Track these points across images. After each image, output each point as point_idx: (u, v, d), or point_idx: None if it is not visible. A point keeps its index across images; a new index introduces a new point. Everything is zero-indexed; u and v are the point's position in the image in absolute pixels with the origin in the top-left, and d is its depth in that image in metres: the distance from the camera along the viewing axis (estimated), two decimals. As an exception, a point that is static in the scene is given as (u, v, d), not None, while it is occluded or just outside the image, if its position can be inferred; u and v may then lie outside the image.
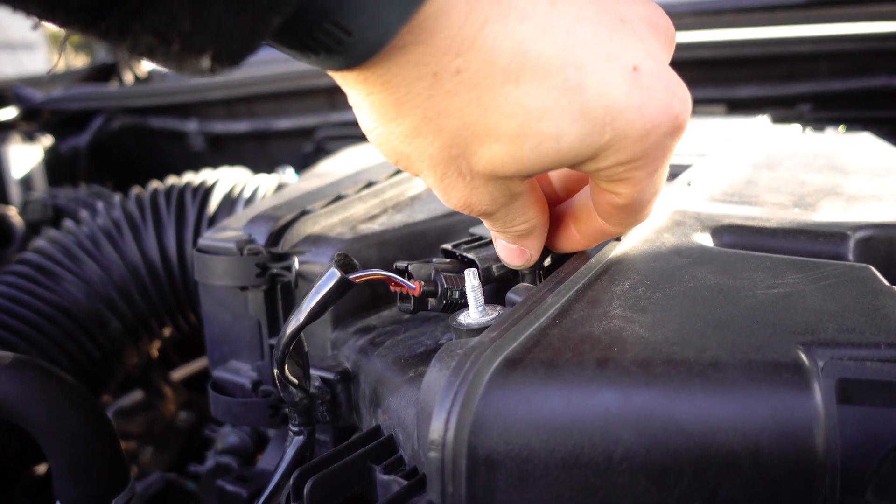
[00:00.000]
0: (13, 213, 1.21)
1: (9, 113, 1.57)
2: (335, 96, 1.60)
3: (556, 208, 0.46)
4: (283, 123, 1.60)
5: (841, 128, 1.08)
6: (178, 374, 1.23)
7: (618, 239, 0.50)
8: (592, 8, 0.34)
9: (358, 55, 0.32)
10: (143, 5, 0.26)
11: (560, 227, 0.46)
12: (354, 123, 1.61)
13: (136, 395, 1.16)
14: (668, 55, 0.38)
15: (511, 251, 0.45)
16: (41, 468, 0.86)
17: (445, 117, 0.34)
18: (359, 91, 0.36)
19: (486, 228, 0.55)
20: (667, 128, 0.35)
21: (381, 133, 0.37)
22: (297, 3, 0.29)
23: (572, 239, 0.46)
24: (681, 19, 1.45)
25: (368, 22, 0.31)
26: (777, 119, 1.05)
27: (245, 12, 0.28)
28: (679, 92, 0.36)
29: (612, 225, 0.43)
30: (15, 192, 1.37)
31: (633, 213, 0.41)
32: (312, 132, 1.59)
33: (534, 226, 0.43)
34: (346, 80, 0.36)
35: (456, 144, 0.35)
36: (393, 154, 0.38)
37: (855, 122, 1.17)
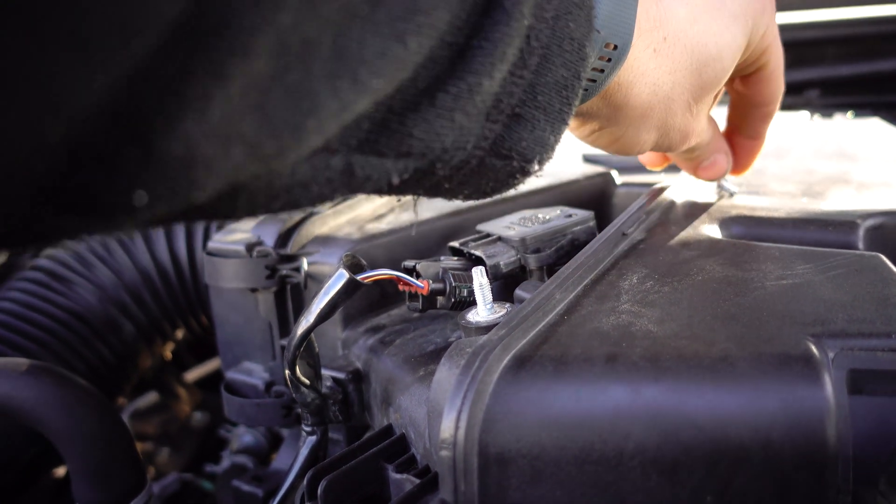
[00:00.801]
0: (25, 219, 1.22)
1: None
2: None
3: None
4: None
5: (850, 114, 1.07)
6: (192, 375, 1.24)
7: (625, 233, 0.50)
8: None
9: (617, 63, 0.41)
10: (495, 140, 0.34)
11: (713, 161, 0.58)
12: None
13: (151, 397, 1.17)
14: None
15: (709, 167, 0.57)
16: (60, 471, 0.87)
17: (673, 74, 0.44)
18: (607, 104, 0.44)
19: (493, 225, 0.55)
20: (767, 2, 0.49)
21: (635, 130, 0.47)
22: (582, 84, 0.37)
23: (749, 147, 0.59)
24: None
25: (622, 26, 0.39)
26: (785, 106, 1.04)
27: (554, 121, 0.36)
28: None
29: (766, 103, 0.57)
30: (26, 199, 1.39)
31: (777, 79, 0.55)
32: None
33: (720, 143, 0.56)
34: (598, 104, 0.45)
35: (686, 88, 0.45)
36: (655, 134, 0.48)
37: (864, 108, 1.16)
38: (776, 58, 0.53)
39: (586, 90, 0.40)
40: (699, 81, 0.46)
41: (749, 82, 0.55)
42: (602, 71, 0.41)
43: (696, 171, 0.57)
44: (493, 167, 0.35)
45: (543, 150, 0.36)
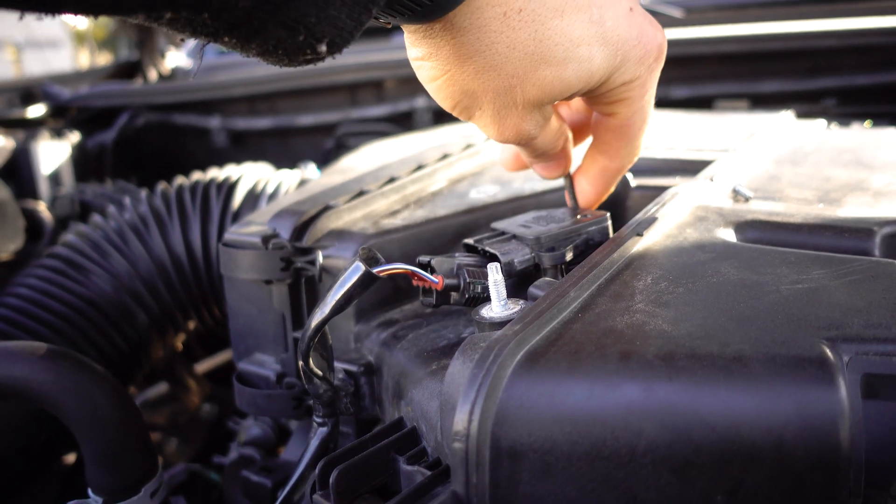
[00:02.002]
0: (42, 208, 1.24)
1: (38, 110, 1.60)
2: (356, 93, 1.61)
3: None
4: (305, 120, 1.61)
5: (867, 123, 1.06)
6: (202, 367, 1.25)
7: (640, 234, 0.50)
8: None
9: (443, 7, 0.39)
10: (280, 6, 0.32)
11: (573, 188, 0.56)
12: (375, 120, 1.63)
13: (161, 388, 1.18)
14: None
15: (549, 168, 0.54)
16: (70, 457, 0.88)
17: (511, 50, 0.42)
18: (439, 40, 0.42)
19: (508, 223, 0.55)
20: (655, 54, 0.46)
21: (453, 75, 0.43)
22: None
23: (585, 193, 0.56)
24: (704, 13, 1.44)
25: None
26: (801, 114, 1.04)
27: (355, 5, 0.34)
28: (660, 28, 0.47)
29: (611, 159, 0.53)
30: (44, 188, 1.40)
31: (627, 138, 0.51)
32: (333, 128, 1.60)
33: (567, 138, 0.52)
34: (427, 34, 0.42)
35: (516, 74, 0.43)
36: (459, 94, 0.44)
37: (881, 117, 1.16)
38: (630, 114, 0.49)
39: (421, 7, 0.39)
40: (533, 77, 0.43)
41: (598, 124, 0.52)
42: None
43: (533, 165, 0.55)
44: (278, 35, 0.33)
45: (337, 33, 0.34)
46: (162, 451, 1.06)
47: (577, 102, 0.56)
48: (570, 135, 0.54)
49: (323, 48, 0.35)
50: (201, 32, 0.33)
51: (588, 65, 0.44)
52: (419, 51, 0.44)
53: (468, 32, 0.41)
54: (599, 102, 0.49)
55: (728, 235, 0.53)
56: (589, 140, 0.55)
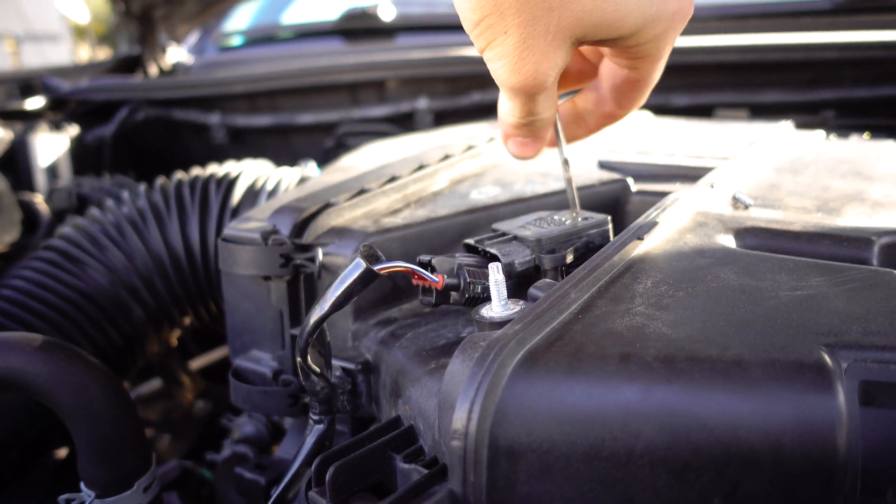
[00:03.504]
0: (39, 200, 1.23)
1: (36, 102, 1.59)
2: (357, 92, 1.61)
3: (567, 103, 0.56)
4: (305, 118, 1.61)
5: (866, 135, 1.07)
6: (196, 363, 1.25)
7: (640, 238, 0.50)
8: None
9: None
10: None
11: (574, 117, 0.56)
12: (376, 120, 1.63)
13: (154, 384, 1.17)
14: None
15: (525, 145, 0.53)
16: (62, 451, 0.88)
17: None
18: None
19: (508, 224, 0.56)
20: (685, 12, 0.46)
21: None
22: None
23: (583, 126, 0.56)
24: (706, 23, 1.45)
25: None
26: (801, 125, 1.04)
27: None
28: None
29: (620, 106, 0.53)
30: (41, 181, 1.40)
31: (640, 90, 0.51)
32: (334, 127, 1.60)
33: (552, 116, 0.51)
34: None
35: None
36: (490, 7, 0.41)
37: (880, 130, 1.16)
38: (649, 71, 0.50)
39: None
40: (573, 3, 0.41)
41: (614, 74, 0.51)
42: None
43: (509, 140, 0.53)
44: None
45: None
46: (154, 448, 1.06)
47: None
48: (553, 119, 0.52)
49: None
50: None
51: (625, 7, 0.42)
52: None
53: None
54: (625, 56, 0.48)
55: (728, 241, 0.53)
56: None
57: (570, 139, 0.57)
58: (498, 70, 0.44)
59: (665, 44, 0.47)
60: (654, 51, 0.47)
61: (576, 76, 0.56)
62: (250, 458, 0.72)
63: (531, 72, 0.44)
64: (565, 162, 0.57)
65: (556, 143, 0.56)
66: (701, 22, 1.46)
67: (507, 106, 0.49)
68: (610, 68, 0.52)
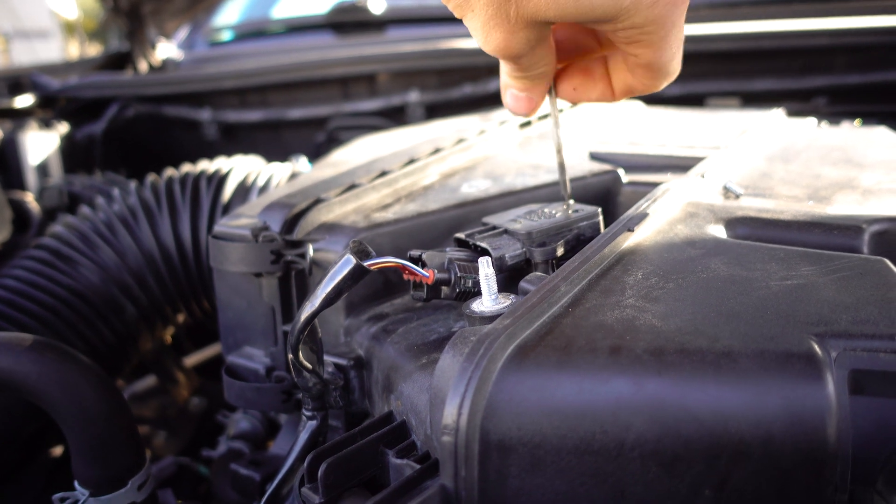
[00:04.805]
0: (30, 199, 1.23)
1: (25, 100, 1.58)
2: (348, 86, 1.60)
3: (596, 61, 0.54)
4: (296, 113, 1.60)
5: (857, 122, 1.07)
6: (191, 360, 1.25)
7: (630, 230, 0.50)
8: None
9: None
10: None
11: (599, 79, 0.53)
12: (367, 114, 1.62)
13: (149, 381, 1.17)
14: None
15: (519, 99, 0.52)
16: (57, 450, 0.87)
17: None
18: None
19: (499, 218, 0.55)
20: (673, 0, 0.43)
21: None
22: None
23: (606, 91, 0.53)
24: (697, 11, 1.44)
25: None
26: (792, 112, 1.04)
27: None
28: None
29: (640, 84, 0.51)
30: (31, 179, 1.39)
31: (655, 72, 0.49)
32: (325, 122, 1.59)
33: (548, 70, 0.50)
34: None
35: None
36: None
37: (871, 117, 1.16)
38: (651, 55, 0.47)
39: None
40: None
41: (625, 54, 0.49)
42: None
43: (505, 92, 0.53)
44: None
45: None
46: (150, 445, 1.06)
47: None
48: (553, 70, 0.52)
49: None
50: None
51: None
52: None
53: None
54: (617, 41, 0.47)
55: (718, 232, 0.53)
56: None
57: (593, 98, 0.55)
58: (474, 37, 0.46)
59: (655, 30, 0.44)
60: (644, 36, 0.45)
61: (573, 49, 0.54)
62: (245, 454, 0.72)
63: (501, 44, 0.45)
64: (559, 147, 0.57)
65: (583, 94, 0.54)
66: (692, 11, 1.46)
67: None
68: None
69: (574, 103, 0.55)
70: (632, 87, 0.52)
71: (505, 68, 0.51)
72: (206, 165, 1.03)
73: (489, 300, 0.45)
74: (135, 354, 0.94)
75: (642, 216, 0.52)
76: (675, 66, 0.49)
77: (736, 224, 0.54)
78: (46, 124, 1.51)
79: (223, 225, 0.64)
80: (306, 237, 0.61)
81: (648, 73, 0.49)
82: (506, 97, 0.53)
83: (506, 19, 0.43)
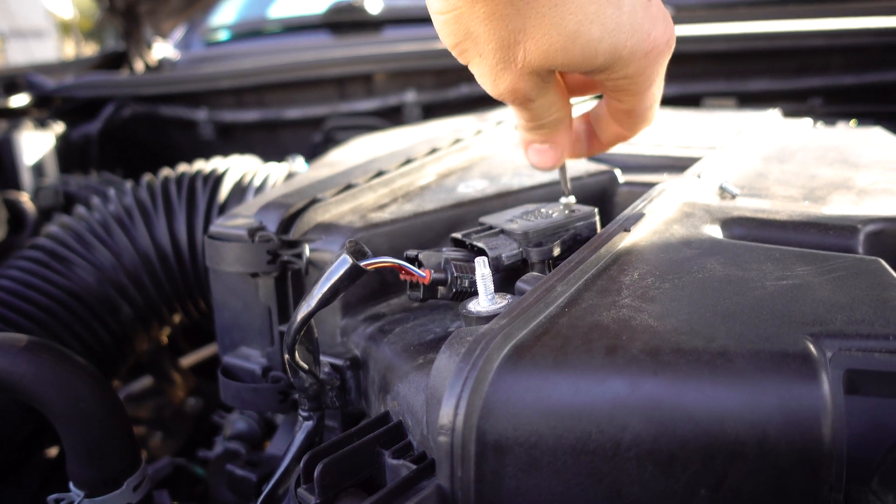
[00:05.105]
0: (25, 199, 1.22)
1: (21, 100, 1.58)
2: (345, 86, 1.60)
3: (580, 119, 0.56)
4: (293, 113, 1.60)
5: (852, 122, 1.07)
6: (187, 360, 1.24)
7: (627, 230, 0.50)
8: None
9: None
10: None
11: (585, 134, 0.56)
12: (364, 114, 1.62)
13: (145, 381, 1.17)
14: None
15: (542, 152, 0.53)
16: (53, 451, 0.87)
17: (525, 4, 0.41)
18: None
19: (496, 218, 0.55)
20: (662, 49, 0.45)
21: (463, 13, 0.42)
22: None
23: (595, 143, 0.56)
24: (693, 12, 1.45)
25: None
26: (788, 113, 1.04)
27: None
28: (671, 23, 0.46)
29: (624, 129, 0.53)
30: (27, 179, 1.38)
31: (637, 118, 0.51)
32: (321, 122, 1.59)
33: (563, 116, 0.51)
34: None
35: (524, 30, 0.42)
36: (461, 34, 0.43)
37: (867, 117, 1.17)
38: (634, 103, 0.49)
39: None
40: (539, 39, 0.42)
41: (608, 102, 0.51)
42: None
43: (528, 149, 0.53)
44: None
45: None
46: (146, 445, 1.06)
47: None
48: (569, 115, 0.52)
49: None
50: None
51: (595, 45, 0.42)
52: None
53: None
54: (604, 88, 0.49)
55: (714, 232, 0.53)
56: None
57: (587, 153, 0.57)
58: (481, 82, 0.46)
59: (641, 80, 0.46)
60: (631, 86, 0.47)
61: (581, 86, 0.55)
62: (242, 455, 0.72)
63: (510, 88, 0.45)
64: None
65: (577, 151, 0.56)
66: (689, 11, 1.46)
67: (513, 110, 0.50)
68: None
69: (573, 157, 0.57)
70: (618, 133, 0.54)
71: (520, 122, 0.51)
72: (203, 165, 1.03)
73: (486, 300, 0.45)
74: (131, 355, 0.94)
75: (639, 216, 0.52)
76: (653, 114, 0.52)
77: (732, 224, 0.54)
78: (42, 124, 1.50)
79: (219, 225, 0.64)
80: (303, 237, 0.61)
81: (629, 119, 0.51)
82: (529, 155, 0.54)
83: (513, 63, 0.43)
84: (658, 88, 0.49)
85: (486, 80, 0.45)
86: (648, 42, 0.44)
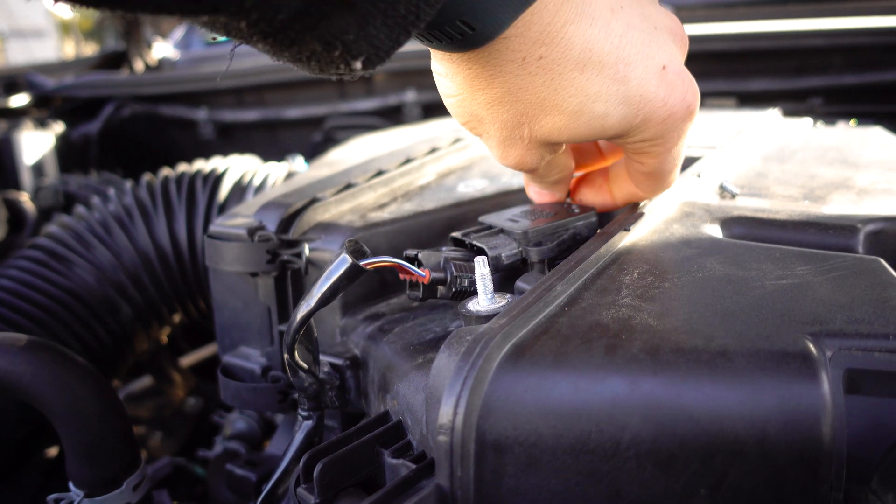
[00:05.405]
0: (25, 199, 1.22)
1: (21, 100, 1.58)
2: (344, 86, 1.60)
3: (597, 171, 0.56)
4: (293, 113, 1.60)
5: (852, 122, 1.07)
6: (187, 360, 1.24)
7: (626, 229, 0.50)
8: (637, 17, 0.43)
9: (472, 43, 0.40)
10: (319, 21, 0.32)
11: (600, 188, 0.55)
12: (364, 113, 1.62)
13: (145, 381, 1.17)
14: (683, 56, 0.47)
15: (543, 195, 0.56)
16: (52, 450, 0.87)
17: (524, 92, 0.42)
18: (456, 67, 0.43)
19: (495, 218, 0.55)
20: (682, 115, 0.45)
21: (465, 99, 0.45)
22: (435, 13, 0.34)
23: (608, 199, 0.55)
24: (693, 11, 1.45)
25: (489, 21, 0.38)
26: (788, 113, 1.04)
27: (395, 25, 0.33)
28: (692, 87, 0.46)
29: (641, 190, 0.52)
30: (27, 179, 1.38)
31: (656, 180, 0.50)
32: (321, 121, 1.59)
33: (565, 176, 0.54)
34: (447, 59, 0.43)
35: (526, 113, 0.44)
36: (468, 116, 0.46)
37: (867, 117, 1.17)
38: (655, 165, 0.48)
39: (452, 40, 0.39)
40: (542, 120, 0.43)
41: (628, 161, 0.51)
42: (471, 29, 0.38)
43: (528, 187, 0.56)
44: (314, 48, 0.33)
45: (373, 52, 0.34)
46: (146, 445, 1.06)
47: None
48: (571, 171, 0.54)
49: (358, 65, 0.35)
50: (236, 36, 0.33)
51: (602, 121, 0.43)
52: (439, 67, 0.45)
53: (484, 68, 0.42)
54: (625, 150, 0.49)
55: (714, 231, 0.53)
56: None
57: (598, 209, 0.56)
58: (490, 152, 0.48)
59: (661, 143, 0.46)
60: (651, 148, 0.46)
61: (579, 159, 0.55)
62: (242, 455, 0.71)
63: (516, 161, 0.47)
64: None
65: (592, 203, 0.56)
66: (689, 11, 1.46)
67: None
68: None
69: None
70: (633, 193, 0.53)
71: (524, 176, 0.55)
72: (203, 165, 1.03)
73: (485, 300, 0.45)
74: (130, 355, 0.94)
75: (638, 216, 0.52)
76: (674, 179, 0.51)
77: (732, 224, 0.54)
78: (42, 124, 1.50)
79: (219, 224, 0.64)
80: (302, 237, 0.61)
81: (649, 180, 0.51)
82: (530, 193, 0.57)
83: (520, 140, 0.45)
84: (679, 152, 0.49)
85: (495, 152, 0.47)
86: (665, 109, 0.44)
